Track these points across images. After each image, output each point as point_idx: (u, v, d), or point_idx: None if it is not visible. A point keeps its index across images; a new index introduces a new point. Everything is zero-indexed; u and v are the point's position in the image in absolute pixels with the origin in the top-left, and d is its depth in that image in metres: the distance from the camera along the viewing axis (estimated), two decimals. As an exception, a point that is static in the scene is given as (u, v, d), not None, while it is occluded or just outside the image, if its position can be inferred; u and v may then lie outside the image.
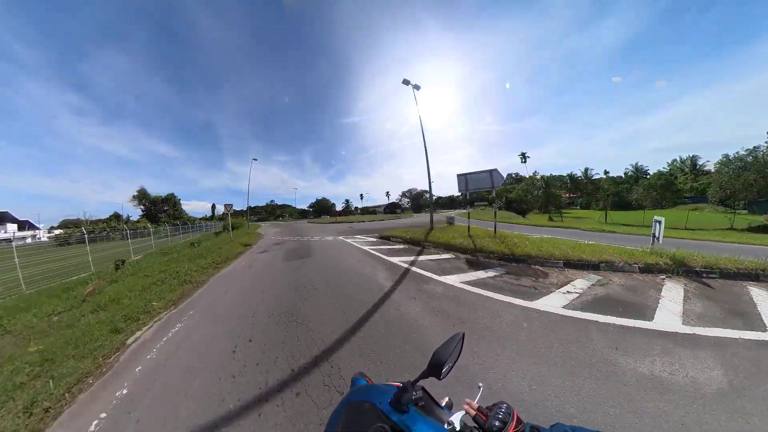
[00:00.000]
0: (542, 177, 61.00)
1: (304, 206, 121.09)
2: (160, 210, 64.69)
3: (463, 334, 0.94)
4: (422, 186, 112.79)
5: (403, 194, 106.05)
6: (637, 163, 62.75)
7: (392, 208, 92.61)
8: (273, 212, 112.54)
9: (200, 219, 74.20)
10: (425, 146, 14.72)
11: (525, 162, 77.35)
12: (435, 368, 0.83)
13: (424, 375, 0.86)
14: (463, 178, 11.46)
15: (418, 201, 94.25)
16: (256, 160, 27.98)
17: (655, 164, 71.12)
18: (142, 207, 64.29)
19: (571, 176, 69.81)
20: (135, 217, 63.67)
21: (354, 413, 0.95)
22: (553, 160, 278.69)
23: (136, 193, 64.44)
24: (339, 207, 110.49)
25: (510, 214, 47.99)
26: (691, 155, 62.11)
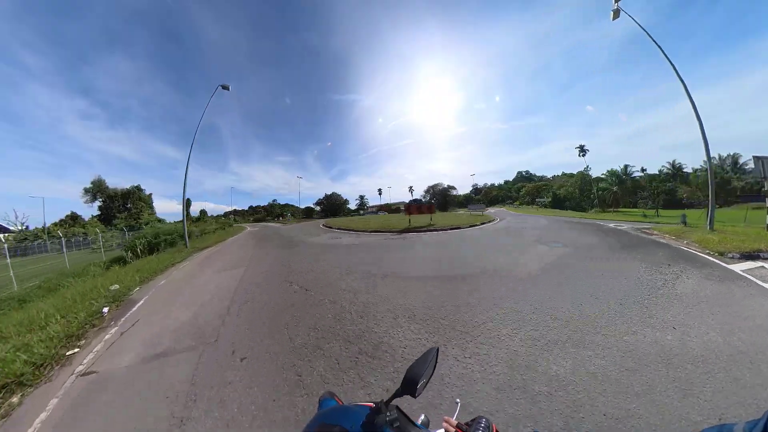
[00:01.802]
0: (612, 171, 60.45)
1: (310, 204, 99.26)
2: (120, 208, 47.76)
3: (438, 349, 0.93)
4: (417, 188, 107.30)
5: (427, 190, 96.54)
6: (674, 161, 62.37)
7: (418, 206, 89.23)
8: (271, 211, 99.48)
9: (174, 222, 48.83)
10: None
11: (584, 155, 68.41)
12: (409, 385, 0.79)
13: (398, 393, 0.82)
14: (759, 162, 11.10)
15: (446, 197, 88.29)
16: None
17: (660, 162, 71.29)
18: (100, 203, 47.77)
19: (611, 173, 69.45)
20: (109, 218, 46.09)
21: None
22: (558, 158, 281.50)
23: (90, 185, 46.03)
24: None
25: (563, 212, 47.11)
26: (732, 153, 62.20)
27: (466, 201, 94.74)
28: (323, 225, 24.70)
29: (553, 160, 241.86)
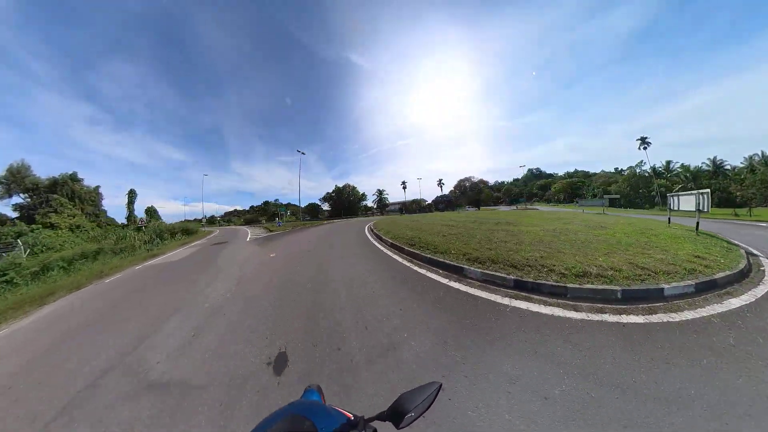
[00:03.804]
0: (685, 167, 51.18)
1: (316, 201, 79.44)
2: (43, 204, 32.05)
3: (441, 385, 0.82)
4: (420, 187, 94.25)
5: (457, 185, 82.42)
6: (715, 157, 53.53)
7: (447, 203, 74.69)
8: (266, 211, 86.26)
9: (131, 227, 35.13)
10: None
11: (646, 148, 59.90)
12: (396, 414, 0.74)
13: (382, 417, 0.77)
14: None
15: (479, 194, 76.74)
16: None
17: (667, 157, 63.91)
18: (25, 197, 33.46)
19: (685, 168, 60.00)
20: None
21: (290, 427, 0.81)
22: (563, 156, 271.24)
23: (4, 172, 33.18)
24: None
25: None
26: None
27: (505, 197, 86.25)
28: (372, 230, 14.87)
29: (558, 158, 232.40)
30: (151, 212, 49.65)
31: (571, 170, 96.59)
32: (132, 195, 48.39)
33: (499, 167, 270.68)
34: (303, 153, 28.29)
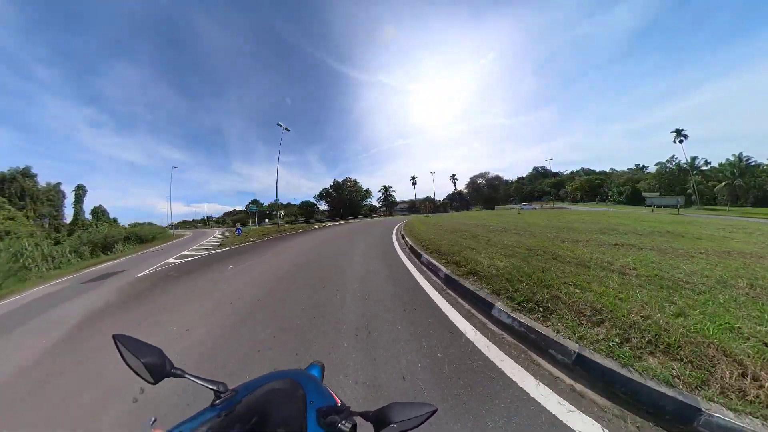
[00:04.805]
0: (730, 162, 46.62)
1: (311, 198, 67.33)
2: None
3: (435, 410, 0.71)
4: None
5: (470, 182, 73.02)
6: (741, 154, 49.06)
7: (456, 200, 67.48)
8: (253, 212, 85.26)
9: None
10: None
11: (682, 141, 53.04)
12: (380, 419, 0.69)
13: (366, 415, 0.73)
14: None
15: (496, 192, 68.73)
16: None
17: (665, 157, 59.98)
18: None
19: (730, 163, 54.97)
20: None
21: (284, 388, 0.88)
22: (566, 155, 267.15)
23: None
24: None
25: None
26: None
27: (515, 196, 79.70)
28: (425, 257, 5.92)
29: (560, 157, 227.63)
30: (98, 213, 41.34)
31: (577, 168, 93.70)
32: (80, 192, 41.13)
33: (501, 166, 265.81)
34: (287, 129, 21.87)
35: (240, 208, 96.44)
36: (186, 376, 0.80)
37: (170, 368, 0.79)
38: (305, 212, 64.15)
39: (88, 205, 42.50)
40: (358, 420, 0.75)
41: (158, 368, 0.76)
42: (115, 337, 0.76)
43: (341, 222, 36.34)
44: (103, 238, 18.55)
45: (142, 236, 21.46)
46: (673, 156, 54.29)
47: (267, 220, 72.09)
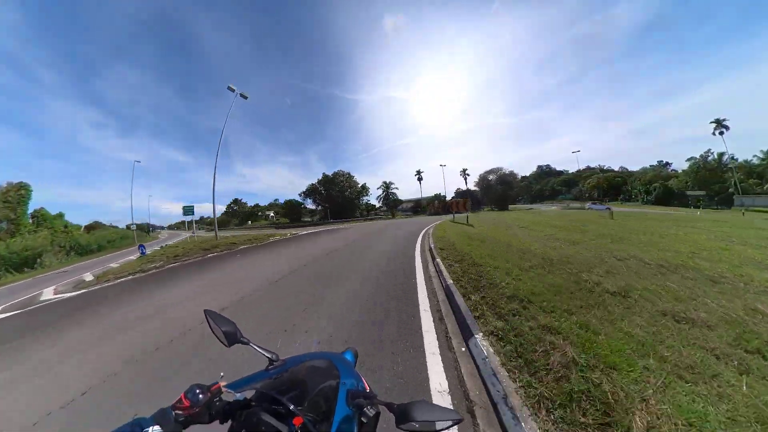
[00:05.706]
0: None
1: (297, 197, 58.36)
2: None
3: (461, 420, 0.70)
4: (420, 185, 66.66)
5: (480, 178, 63.76)
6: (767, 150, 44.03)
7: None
8: (235, 213, 77.03)
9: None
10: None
11: (722, 134, 46.38)
12: (403, 413, 0.69)
13: (391, 407, 0.74)
14: None
15: (510, 190, 60.29)
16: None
17: (674, 156, 57.08)
18: None
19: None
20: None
21: (322, 367, 0.96)
22: (567, 154, 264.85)
23: None
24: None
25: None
26: None
27: (523, 195, 70.75)
28: None
29: (564, 156, 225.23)
30: (39, 218, 33.46)
31: (582, 167, 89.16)
32: (22, 192, 32.55)
33: (503, 165, 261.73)
34: (245, 96, 15.80)
35: (235, 207, 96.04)
36: (251, 344, 0.96)
37: (240, 337, 0.97)
38: (290, 212, 55.02)
39: (87, 207, 36.20)
40: (383, 409, 0.78)
41: (232, 336, 0.96)
42: (205, 312, 1.03)
43: (329, 227, 28.73)
44: (22, 249, 15.44)
45: (83, 246, 18.02)
46: (709, 150, 48.56)
47: (250, 221, 71.15)
